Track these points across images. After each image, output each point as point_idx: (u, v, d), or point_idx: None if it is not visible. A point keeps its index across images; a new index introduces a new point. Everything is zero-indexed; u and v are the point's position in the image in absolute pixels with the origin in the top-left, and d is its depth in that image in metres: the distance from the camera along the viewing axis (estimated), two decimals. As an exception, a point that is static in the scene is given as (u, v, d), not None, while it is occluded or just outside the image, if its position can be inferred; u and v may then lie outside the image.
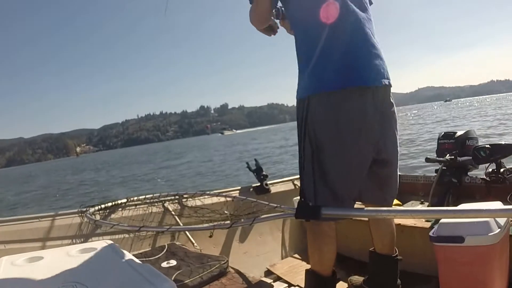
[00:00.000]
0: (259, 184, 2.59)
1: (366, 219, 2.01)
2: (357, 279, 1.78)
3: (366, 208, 1.57)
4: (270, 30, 1.58)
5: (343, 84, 1.26)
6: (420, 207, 2.40)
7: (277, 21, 1.60)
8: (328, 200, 1.30)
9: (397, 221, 1.84)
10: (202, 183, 12.17)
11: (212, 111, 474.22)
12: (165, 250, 1.90)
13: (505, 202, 1.71)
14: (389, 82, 1.35)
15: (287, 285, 2.01)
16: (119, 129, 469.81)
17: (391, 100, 1.39)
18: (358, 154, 1.32)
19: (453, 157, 2.32)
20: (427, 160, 2.42)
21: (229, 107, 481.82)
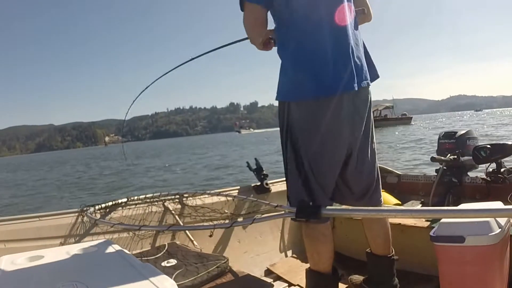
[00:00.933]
0: (259, 183, 2.58)
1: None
2: (357, 278, 1.78)
3: (366, 208, 1.57)
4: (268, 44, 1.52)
5: (322, 93, 1.31)
6: (420, 207, 2.40)
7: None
8: (309, 192, 1.38)
9: (397, 221, 1.84)
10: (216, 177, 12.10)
11: (242, 108, 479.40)
12: (165, 250, 1.90)
13: (505, 202, 1.71)
14: (367, 83, 1.39)
15: (287, 284, 2.01)
16: (149, 121, 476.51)
17: (369, 98, 1.43)
18: (336, 157, 1.40)
19: (455, 156, 2.32)
20: (433, 159, 2.43)
21: (259, 105, 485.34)
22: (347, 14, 1.38)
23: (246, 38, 1.58)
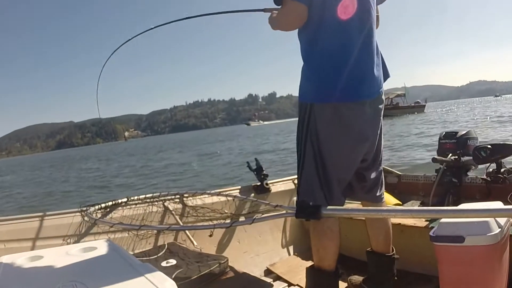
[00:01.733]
0: (259, 183, 2.59)
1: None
2: (357, 278, 1.78)
3: (366, 208, 1.58)
4: None
5: (349, 98, 1.35)
6: (420, 207, 2.40)
7: None
8: (326, 198, 1.40)
9: (397, 221, 1.84)
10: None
11: (260, 100, 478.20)
12: (165, 249, 1.90)
13: (505, 202, 1.71)
14: (382, 91, 1.45)
15: (287, 284, 2.01)
16: (167, 115, 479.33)
17: (383, 102, 1.49)
18: (355, 158, 1.45)
19: (456, 157, 2.32)
20: (434, 160, 2.44)
21: (277, 95, 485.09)
22: (374, 20, 1.42)
23: (259, 10, 1.64)
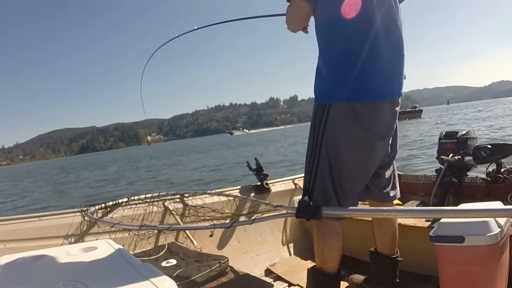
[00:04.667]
0: (259, 183, 2.59)
1: (366, 218, 2.01)
2: (358, 277, 1.78)
3: (366, 208, 1.58)
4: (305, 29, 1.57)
5: (368, 97, 1.30)
6: (420, 207, 2.40)
7: None
8: (339, 199, 1.36)
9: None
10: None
11: (282, 103, 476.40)
12: (165, 249, 1.90)
13: (505, 202, 1.71)
14: (402, 92, 1.42)
15: (287, 284, 2.02)
16: (189, 119, 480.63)
17: (399, 104, 1.46)
18: (375, 159, 1.41)
19: (460, 157, 2.33)
20: (441, 160, 2.44)
21: (299, 99, 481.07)
22: (399, 17, 1.36)
23: (280, 15, 1.64)
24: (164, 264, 1.70)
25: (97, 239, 1.74)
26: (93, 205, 2.05)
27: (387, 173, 1.53)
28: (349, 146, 1.33)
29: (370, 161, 1.40)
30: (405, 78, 1.45)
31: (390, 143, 1.45)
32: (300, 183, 2.77)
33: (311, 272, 1.48)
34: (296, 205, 1.33)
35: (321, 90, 1.38)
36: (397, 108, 1.43)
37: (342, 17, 1.27)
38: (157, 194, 2.30)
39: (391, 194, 1.56)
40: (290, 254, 2.48)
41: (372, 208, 1.56)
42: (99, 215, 2.01)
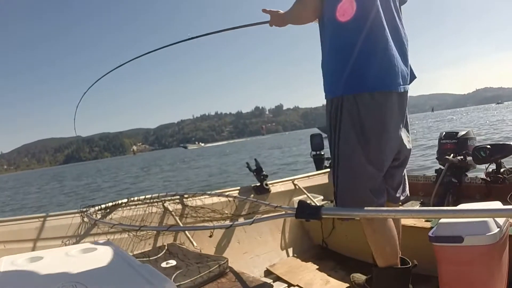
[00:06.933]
0: (259, 184, 2.59)
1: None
2: (359, 277, 1.78)
3: (366, 208, 1.57)
4: None
5: (378, 87, 1.32)
6: (420, 207, 2.41)
7: None
8: (372, 194, 1.38)
9: None
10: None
11: (267, 112, 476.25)
12: (165, 250, 1.90)
13: (505, 202, 1.72)
14: (408, 87, 1.43)
15: (286, 285, 2.01)
16: (175, 129, 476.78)
17: (407, 99, 1.47)
18: (390, 152, 1.41)
19: (462, 157, 2.33)
20: (445, 160, 2.44)
21: (284, 108, 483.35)
22: (399, 12, 1.42)
23: (263, 23, 1.67)
24: (163, 265, 1.70)
25: (96, 240, 1.74)
26: (93, 206, 2.05)
27: (401, 174, 1.53)
28: (368, 136, 1.33)
29: (388, 149, 1.39)
30: (415, 78, 1.47)
31: (402, 135, 1.44)
32: (300, 184, 2.78)
33: (379, 274, 1.45)
34: (295, 206, 1.33)
35: (331, 84, 1.39)
36: (405, 103, 1.43)
37: (350, 11, 1.30)
38: (157, 195, 2.30)
39: (402, 197, 1.57)
40: (289, 255, 2.48)
41: (372, 208, 1.55)
42: (99, 216, 2.01)
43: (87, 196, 14.40)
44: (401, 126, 1.43)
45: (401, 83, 1.37)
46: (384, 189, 1.46)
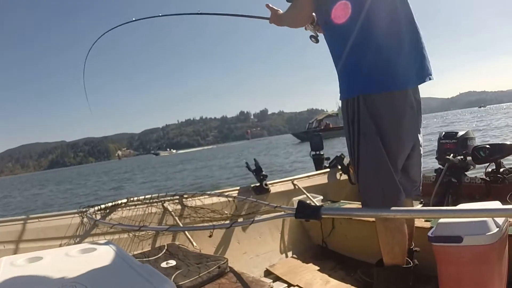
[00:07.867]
0: (258, 184, 2.59)
1: (365, 219, 2.01)
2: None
3: (366, 208, 1.58)
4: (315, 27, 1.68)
5: (401, 86, 1.36)
6: (420, 207, 2.41)
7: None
8: (396, 189, 1.39)
9: None
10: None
11: (252, 117, 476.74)
12: (164, 250, 1.90)
13: (504, 201, 1.72)
14: (430, 77, 1.45)
15: (286, 285, 2.01)
16: (160, 133, 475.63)
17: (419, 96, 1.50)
18: (408, 147, 1.45)
19: (462, 157, 2.33)
20: (446, 160, 2.45)
21: (269, 112, 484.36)
22: (410, 10, 1.42)
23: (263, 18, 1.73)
24: (163, 265, 1.70)
25: (96, 240, 1.73)
26: (92, 206, 2.04)
27: (416, 169, 1.56)
28: (386, 133, 1.36)
29: (408, 144, 1.43)
30: (432, 79, 1.46)
31: (418, 135, 1.47)
32: (299, 184, 2.78)
33: (383, 271, 1.46)
34: (295, 206, 1.33)
35: (347, 84, 1.42)
36: (419, 94, 1.46)
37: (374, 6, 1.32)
38: (156, 195, 2.30)
39: (416, 192, 1.59)
40: (289, 255, 2.48)
41: (372, 208, 1.56)
42: (98, 216, 2.01)
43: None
44: (415, 121, 1.46)
45: (415, 79, 1.41)
46: (403, 185, 1.48)
